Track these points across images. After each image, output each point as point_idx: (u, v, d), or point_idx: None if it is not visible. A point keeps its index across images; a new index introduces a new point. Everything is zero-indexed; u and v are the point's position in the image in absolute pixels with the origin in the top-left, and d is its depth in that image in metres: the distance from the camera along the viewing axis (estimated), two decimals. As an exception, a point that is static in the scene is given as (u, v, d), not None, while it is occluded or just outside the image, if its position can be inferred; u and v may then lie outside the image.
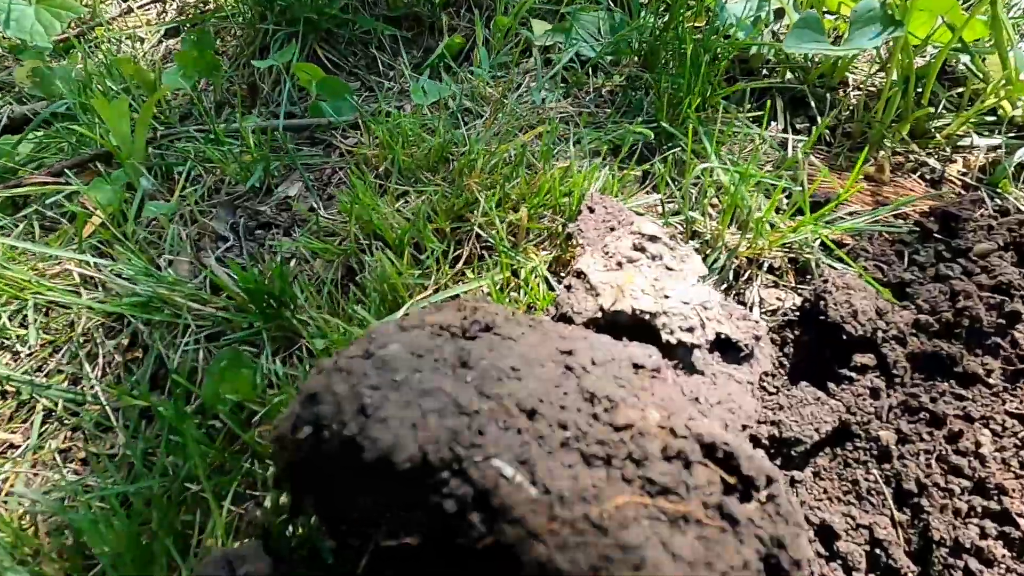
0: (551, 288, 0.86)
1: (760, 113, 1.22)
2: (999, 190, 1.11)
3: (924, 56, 1.33)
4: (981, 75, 1.21)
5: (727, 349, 0.78)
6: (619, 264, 0.71)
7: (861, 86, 1.31)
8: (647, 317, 0.66)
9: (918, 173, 1.15)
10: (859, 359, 0.89)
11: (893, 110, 1.14)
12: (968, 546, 0.77)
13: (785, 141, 1.21)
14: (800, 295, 0.96)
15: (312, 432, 0.46)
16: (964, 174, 1.14)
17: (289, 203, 1.16)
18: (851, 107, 1.27)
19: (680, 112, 1.13)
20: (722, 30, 1.22)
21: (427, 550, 0.47)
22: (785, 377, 0.93)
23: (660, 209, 1.02)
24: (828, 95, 1.29)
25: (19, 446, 0.92)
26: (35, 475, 0.88)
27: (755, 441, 0.77)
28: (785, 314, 0.95)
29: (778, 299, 0.96)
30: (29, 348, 1.00)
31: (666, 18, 1.29)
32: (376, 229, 0.91)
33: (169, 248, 1.05)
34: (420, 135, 1.06)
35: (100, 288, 1.03)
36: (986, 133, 1.19)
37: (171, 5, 1.84)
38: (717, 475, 0.48)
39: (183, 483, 0.72)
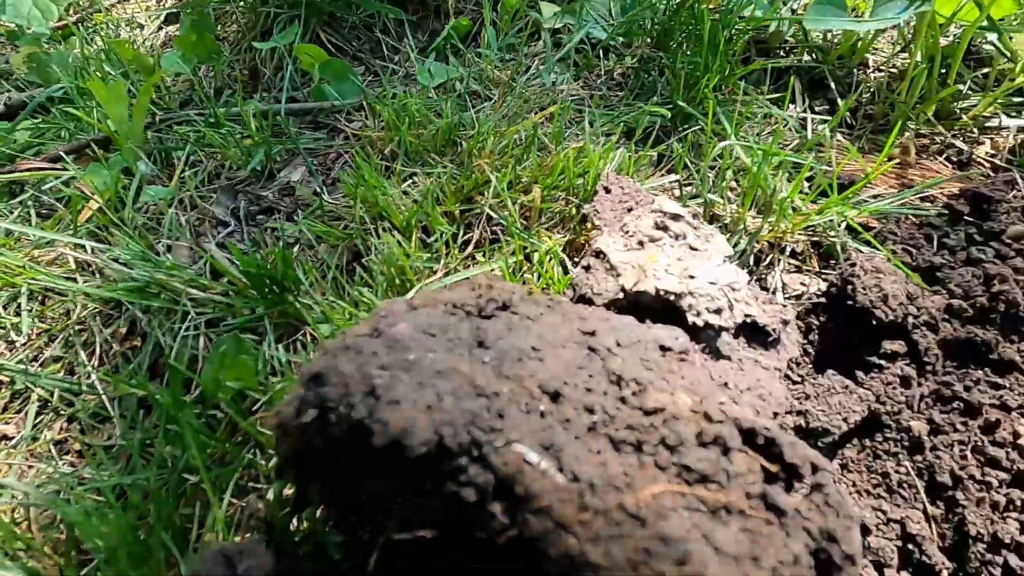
0: (566, 272, 0.82)
1: (779, 95, 1.18)
2: (1030, 172, 1.06)
3: (947, 36, 1.29)
4: (1009, 54, 1.17)
5: (752, 334, 0.74)
6: (640, 244, 0.67)
7: (882, 67, 1.27)
8: (671, 298, 0.62)
9: (944, 155, 1.11)
10: (889, 346, 0.85)
11: (917, 90, 1.10)
12: (1008, 541, 0.73)
13: (805, 123, 1.16)
14: (825, 280, 0.92)
15: (317, 416, 0.43)
16: (992, 156, 1.09)
17: (292, 188, 1.12)
18: (872, 89, 1.23)
19: (696, 93, 1.09)
20: (738, 8, 1.17)
21: (443, 544, 0.43)
22: (810, 365, 0.89)
23: (677, 192, 0.98)
24: (848, 77, 1.25)
25: (12, 437, 0.88)
26: (29, 467, 0.85)
27: (783, 431, 0.73)
28: (810, 299, 0.90)
29: (802, 284, 0.92)
30: (24, 336, 0.97)
31: (680, -3, 1.24)
32: (382, 211, 0.87)
33: (167, 233, 1.01)
34: (427, 116, 1.02)
35: (96, 274, 1.00)
36: (1014, 114, 1.14)
37: (171, -10, 1.81)
38: (757, 463, 0.44)
39: (181, 475, 0.68)
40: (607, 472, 0.40)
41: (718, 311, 0.62)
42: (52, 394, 0.91)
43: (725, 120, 1.01)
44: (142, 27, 1.72)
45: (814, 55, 1.28)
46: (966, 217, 0.96)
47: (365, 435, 0.41)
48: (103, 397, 0.88)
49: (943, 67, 1.12)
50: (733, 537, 0.38)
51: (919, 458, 0.81)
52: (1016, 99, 1.16)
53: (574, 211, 0.91)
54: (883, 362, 0.85)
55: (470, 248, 0.88)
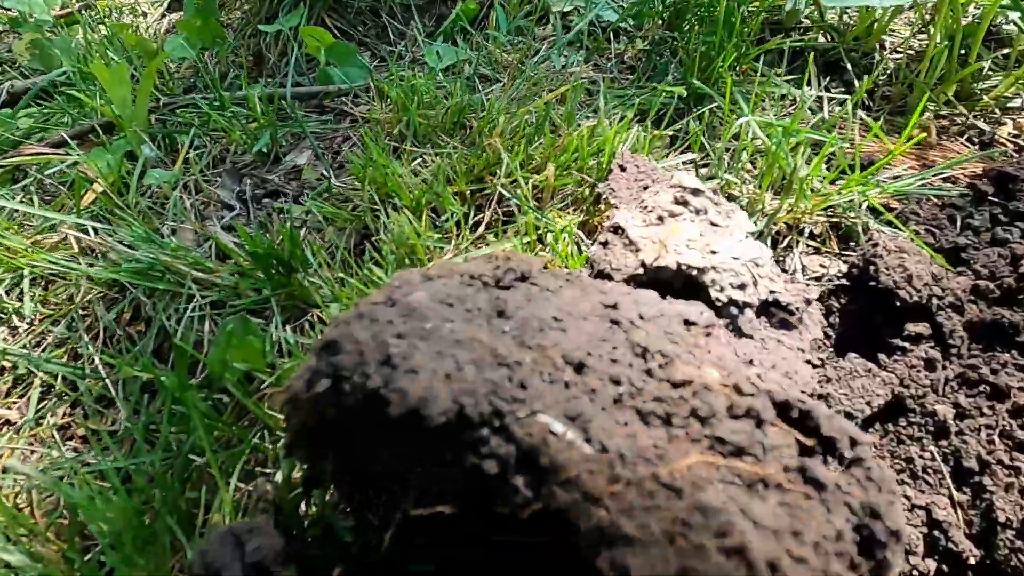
0: (581, 252, 0.80)
1: (795, 77, 1.16)
2: (1054, 153, 1.04)
3: (967, 16, 1.26)
4: (1031, 34, 1.14)
5: (774, 313, 0.72)
6: (659, 219, 0.65)
7: (899, 48, 1.24)
8: (694, 273, 0.60)
9: (965, 136, 1.08)
10: (912, 328, 0.83)
11: (938, 70, 1.07)
12: (1039, 528, 0.70)
13: (821, 105, 1.14)
14: (846, 262, 0.90)
15: (331, 385, 0.40)
16: (1015, 136, 1.07)
17: (298, 172, 1.10)
18: (889, 71, 1.20)
19: (711, 73, 1.06)
20: (753, -12, 1.15)
21: (462, 520, 0.41)
22: (831, 349, 0.86)
23: (693, 173, 0.95)
24: (864, 59, 1.22)
25: (15, 423, 0.87)
26: (32, 452, 0.83)
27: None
28: (830, 281, 0.88)
29: (821, 266, 0.90)
30: (27, 321, 0.95)
31: (693, -23, 1.22)
32: (391, 191, 0.85)
33: (172, 216, 0.99)
34: (436, 96, 1.00)
35: (100, 257, 0.98)
36: (1037, 94, 1.11)
37: (174, -24, 1.78)
38: (792, 437, 0.42)
39: (187, 457, 0.66)
40: (637, 444, 0.38)
41: (742, 286, 0.60)
42: (56, 379, 0.90)
43: (742, 101, 0.98)
44: (145, 15, 1.71)
45: (829, 36, 1.25)
46: (990, 197, 0.93)
47: (381, 405, 0.39)
48: (107, 381, 0.86)
49: (963, 47, 1.10)
50: (772, 511, 0.36)
51: (944, 443, 0.79)
52: (1038, 80, 1.14)
53: (588, 192, 0.88)
54: (907, 345, 0.82)
55: (481, 228, 0.86)
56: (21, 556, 0.65)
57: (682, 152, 0.98)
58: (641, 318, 0.51)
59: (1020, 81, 1.10)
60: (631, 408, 0.42)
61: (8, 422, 0.87)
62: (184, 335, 0.84)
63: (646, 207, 0.67)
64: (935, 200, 0.95)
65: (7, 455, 0.81)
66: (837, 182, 0.93)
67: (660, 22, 1.28)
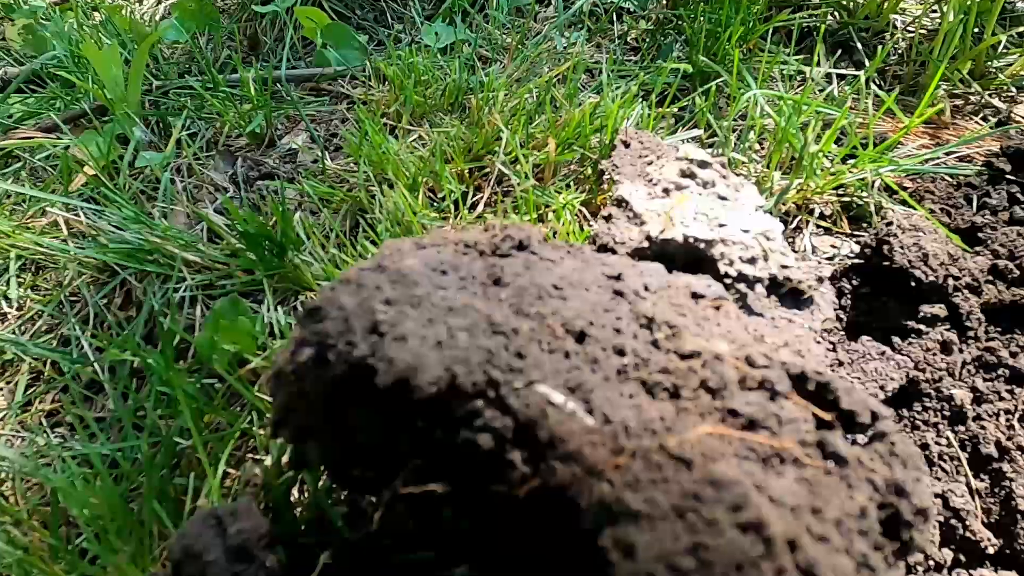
0: (583, 231, 0.77)
1: (804, 57, 1.12)
2: (1073, 131, 1.00)
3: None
4: (1047, 10, 1.10)
5: (785, 292, 0.69)
6: (665, 191, 0.62)
7: (910, 28, 1.21)
8: (701, 246, 0.57)
9: (980, 115, 1.05)
10: (928, 310, 0.80)
11: (951, 48, 1.04)
12: (1062, 515, 0.67)
13: (831, 84, 1.10)
14: (858, 242, 0.87)
15: (314, 354, 0.38)
16: (1033, 115, 1.03)
17: (294, 155, 1.07)
18: (900, 50, 1.17)
19: (717, 49, 1.03)
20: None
21: (456, 499, 0.38)
22: (842, 332, 0.83)
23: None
24: (874, 39, 1.19)
25: (2, 409, 0.85)
26: (20, 439, 0.81)
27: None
28: (841, 262, 0.85)
29: (832, 247, 0.87)
30: (16, 305, 0.93)
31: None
32: (387, 171, 0.82)
33: (162, 198, 0.96)
34: (434, 74, 0.97)
35: (90, 240, 0.96)
36: (1054, 72, 1.08)
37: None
38: (809, 411, 0.39)
39: (173, 440, 0.64)
40: (642, 416, 0.36)
41: (752, 261, 0.57)
42: (44, 364, 0.87)
43: (749, 77, 0.95)
44: (141, 1, 1.68)
45: (839, 15, 1.22)
46: (1008, 176, 0.90)
47: (368, 375, 0.37)
48: (95, 365, 0.84)
49: (978, 25, 1.06)
50: (789, 487, 0.33)
51: (962, 428, 0.76)
52: (1055, 58, 1.10)
53: (590, 170, 0.85)
54: (922, 327, 0.79)
55: (480, 207, 0.83)
56: (4, 543, 0.62)
57: (687, 130, 0.95)
58: (646, 289, 0.48)
59: (1037, 59, 1.06)
60: (636, 380, 0.39)
61: (-5, 408, 0.85)
62: (174, 318, 0.82)
63: (651, 180, 0.64)
64: (950, 179, 0.92)
65: (-8, 441, 0.79)
66: (848, 161, 0.90)
67: (664, 1, 1.25)
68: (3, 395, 0.85)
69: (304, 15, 1.20)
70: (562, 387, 0.36)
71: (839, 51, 1.19)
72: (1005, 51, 1.12)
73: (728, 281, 0.59)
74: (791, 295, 0.67)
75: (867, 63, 1.12)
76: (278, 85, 1.17)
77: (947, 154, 0.95)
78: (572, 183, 0.86)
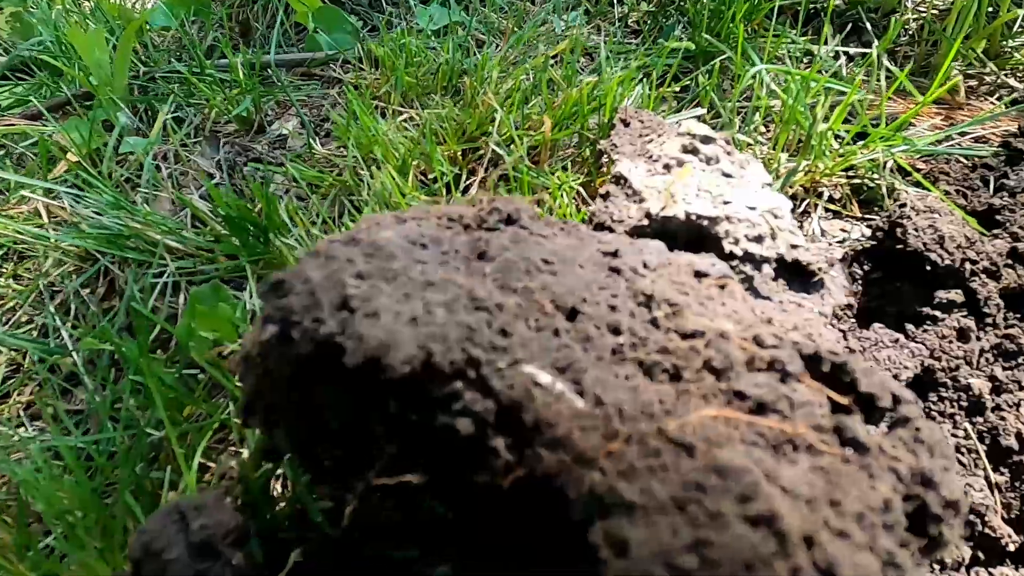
0: (580, 213, 0.74)
1: (811, 37, 1.08)
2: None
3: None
4: (1065, -13, 1.06)
5: (794, 275, 0.65)
6: (666, 167, 0.59)
7: (921, 6, 1.16)
8: (705, 223, 0.53)
9: (996, 95, 1.00)
10: (944, 295, 0.76)
11: (965, 26, 0.99)
12: (1087, 511, 0.63)
13: (838, 70, 1.06)
14: (869, 226, 0.83)
15: (278, 332, 0.34)
16: (1051, 95, 0.99)
17: (283, 141, 1.04)
18: (911, 30, 1.12)
19: (721, 29, 0.99)
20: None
21: (434, 491, 0.35)
22: (852, 319, 0.79)
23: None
24: (883, 20, 1.15)
25: (-22, 402, 0.81)
26: (-6, 433, 0.78)
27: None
28: (852, 246, 0.81)
29: (842, 230, 0.83)
30: (-6, 296, 0.90)
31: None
32: (376, 151, 0.79)
33: (146, 184, 0.93)
34: (427, 55, 0.93)
35: (70, 227, 0.92)
36: (1072, 51, 1.04)
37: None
38: (824, 394, 0.35)
39: (144, 432, 0.61)
40: (639, 399, 0.32)
41: (759, 239, 0.53)
42: (24, 356, 0.84)
43: (754, 55, 0.91)
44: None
45: (846, -4, 1.18)
46: (1027, 156, 0.86)
47: (336, 354, 0.33)
48: (75, 357, 0.81)
49: (991, 3, 1.02)
50: (804, 476, 0.29)
51: (980, 419, 0.72)
52: (1073, 36, 1.06)
53: (588, 152, 0.82)
54: (937, 313, 0.75)
55: (474, 191, 0.79)
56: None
57: (690, 110, 0.91)
58: (645, 266, 0.45)
59: (1054, 37, 1.02)
60: (633, 360, 0.35)
61: (-29, 401, 0.82)
62: (154, 306, 0.78)
63: (651, 157, 0.60)
64: (965, 160, 0.88)
65: (-34, 435, 0.76)
66: (858, 141, 0.86)
67: (666, -18, 1.21)
68: (-21, 387, 0.82)
69: (295, -2, 1.17)
70: (550, 367, 0.33)
71: (848, 34, 1.15)
72: (1021, 29, 1.07)
73: (734, 263, 0.55)
74: (800, 278, 0.63)
75: (876, 43, 1.08)
76: (268, 71, 1.14)
77: (962, 135, 0.91)
78: (569, 165, 0.83)
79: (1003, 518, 0.67)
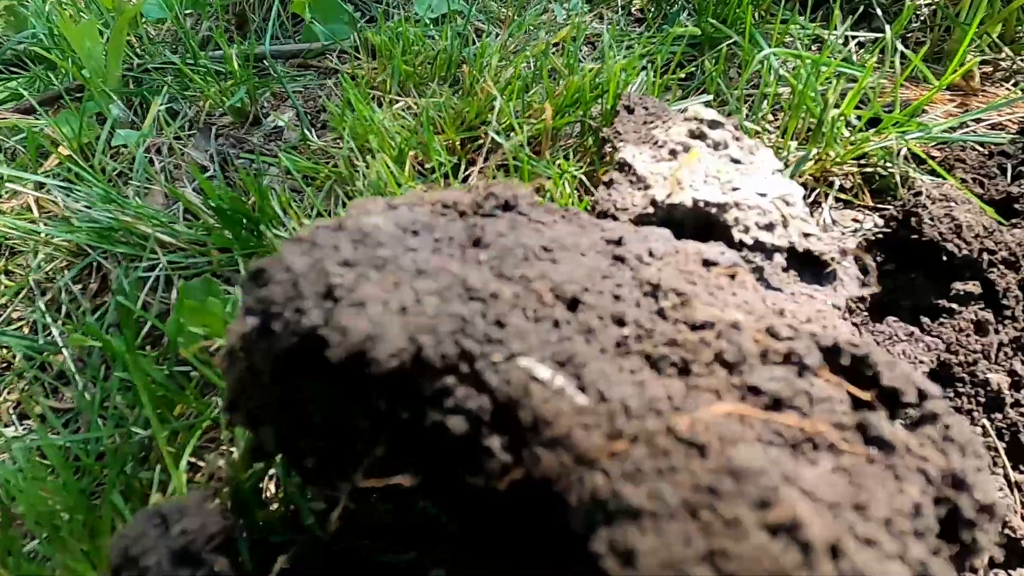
0: (581, 203, 0.71)
1: (819, 24, 1.05)
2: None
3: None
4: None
5: (805, 266, 0.63)
6: (672, 153, 0.56)
7: (934, -8, 1.13)
8: (713, 211, 0.50)
9: (1012, 81, 0.97)
10: (961, 287, 0.73)
11: (981, 9, 0.96)
12: (1113, 511, 0.61)
13: (848, 56, 1.03)
14: (882, 216, 0.80)
15: (258, 324, 0.32)
16: (1069, 80, 0.96)
17: (279, 133, 1.02)
18: (921, 16, 1.09)
19: (727, 12, 0.96)
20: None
21: (427, 493, 0.33)
22: (865, 312, 0.77)
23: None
24: (894, 6, 1.11)
25: (-32, 400, 0.80)
26: (-17, 432, 0.76)
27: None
28: (864, 237, 0.78)
29: (854, 220, 0.80)
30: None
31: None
32: (371, 141, 0.76)
33: (137, 177, 0.91)
34: (424, 43, 0.91)
35: (61, 222, 0.90)
36: (1091, 35, 1.00)
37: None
38: (844, 389, 0.33)
39: (130, 431, 0.58)
40: (646, 394, 0.30)
41: (769, 227, 0.51)
42: (14, 355, 0.82)
43: (762, 41, 0.88)
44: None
45: (857, -20, 1.14)
46: (1046, 143, 0.83)
47: (319, 347, 0.31)
48: (65, 354, 0.79)
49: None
50: (825, 478, 0.27)
51: (998, 416, 0.70)
52: (1092, 20, 1.02)
53: (591, 140, 0.79)
54: (954, 306, 0.73)
55: (472, 180, 0.77)
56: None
57: (696, 97, 0.89)
58: (651, 255, 0.42)
59: (1073, 20, 0.99)
60: (638, 353, 0.33)
61: (-39, 399, 0.80)
62: (146, 301, 0.76)
63: (656, 143, 0.58)
64: (981, 148, 0.85)
65: (-46, 434, 0.74)
66: (871, 128, 0.83)
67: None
68: (-32, 385, 0.80)
69: (291, -13, 1.15)
70: (549, 360, 0.30)
71: (857, 18, 1.12)
72: (1037, 14, 1.04)
73: (744, 252, 0.53)
74: (812, 268, 0.60)
75: (887, 29, 1.05)
76: (264, 62, 1.12)
77: (977, 121, 0.88)
78: (572, 154, 0.80)
79: (1023, 518, 0.64)
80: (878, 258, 0.78)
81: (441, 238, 0.38)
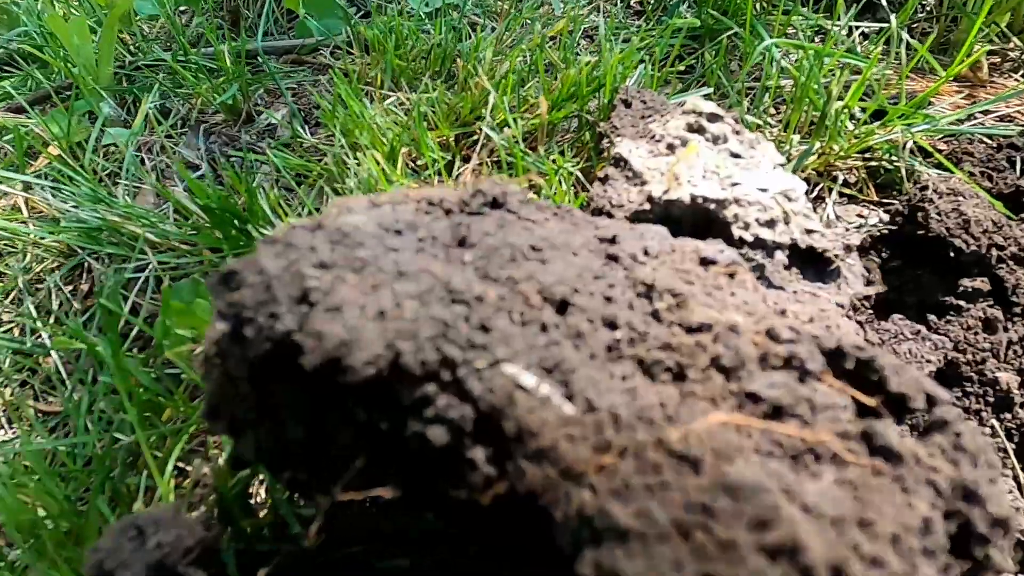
0: (576, 199, 0.69)
1: (822, 16, 1.03)
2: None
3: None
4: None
5: (808, 263, 0.61)
6: (670, 147, 0.54)
7: (940, -18, 1.11)
8: (712, 207, 0.49)
9: (1021, 72, 0.95)
10: (969, 284, 0.71)
11: (988, -2, 0.94)
12: None
13: (852, 47, 1.01)
14: (887, 211, 0.78)
15: (229, 330, 0.30)
16: (1079, 70, 0.94)
17: (272, 131, 1.00)
18: (927, 6, 1.07)
19: (729, 5, 0.94)
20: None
21: (408, 506, 0.31)
22: (870, 310, 0.75)
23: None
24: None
25: (-44, 404, 0.78)
26: (-29, 436, 0.75)
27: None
28: (868, 233, 0.76)
29: (859, 216, 0.78)
30: (-27, 294, 0.87)
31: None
32: (363, 137, 0.75)
33: (127, 176, 0.90)
34: (418, 37, 0.89)
35: (50, 222, 0.89)
36: (1102, 24, 0.98)
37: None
38: (849, 395, 0.31)
39: (113, 437, 0.57)
40: (637, 403, 0.28)
41: (771, 224, 0.49)
42: (3, 358, 0.81)
43: (763, 32, 0.86)
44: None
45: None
46: (1056, 134, 0.81)
47: (293, 354, 0.29)
48: (54, 357, 0.77)
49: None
50: (829, 492, 0.25)
51: (1008, 416, 0.68)
52: (1103, 8, 1.00)
53: (588, 136, 0.77)
54: (962, 303, 0.71)
55: (466, 177, 0.75)
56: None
57: (696, 90, 0.87)
58: (646, 253, 0.40)
59: (1083, 9, 0.96)
60: (631, 358, 0.31)
61: (-51, 403, 0.79)
62: (135, 302, 0.75)
63: (654, 137, 0.56)
64: (989, 140, 0.83)
65: (-58, 438, 0.73)
66: (875, 121, 0.81)
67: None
68: (-44, 389, 0.79)
69: (284, -18, 1.13)
70: (536, 367, 0.29)
71: (861, 9, 1.10)
72: (1046, 3, 1.01)
73: (744, 250, 0.51)
74: (815, 266, 0.58)
75: (892, 19, 1.03)
76: (258, 59, 1.10)
77: (985, 113, 0.85)
78: (568, 150, 0.79)
79: (1034, 521, 0.62)
80: (884, 254, 0.76)
81: (425, 237, 0.36)
